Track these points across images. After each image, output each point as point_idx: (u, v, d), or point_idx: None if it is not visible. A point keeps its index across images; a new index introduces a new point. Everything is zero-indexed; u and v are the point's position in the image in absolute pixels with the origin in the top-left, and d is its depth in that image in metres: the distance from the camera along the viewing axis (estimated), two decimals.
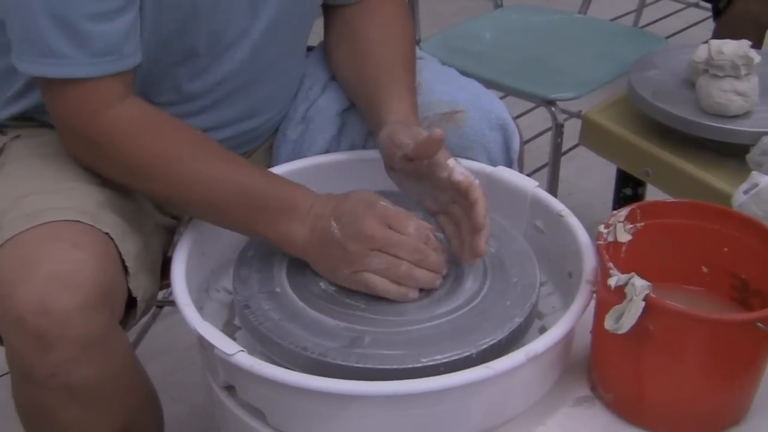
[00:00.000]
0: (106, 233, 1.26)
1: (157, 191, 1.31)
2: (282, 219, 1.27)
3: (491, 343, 1.20)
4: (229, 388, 1.25)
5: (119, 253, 1.27)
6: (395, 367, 1.17)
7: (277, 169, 1.48)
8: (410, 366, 1.17)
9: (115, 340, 1.25)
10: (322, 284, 1.29)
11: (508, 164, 1.51)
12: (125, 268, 1.28)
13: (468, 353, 1.19)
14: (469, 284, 1.30)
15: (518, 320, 1.24)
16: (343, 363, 1.17)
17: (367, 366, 1.17)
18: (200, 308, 1.32)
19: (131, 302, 1.31)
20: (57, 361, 1.18)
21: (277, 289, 1.29)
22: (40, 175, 1.32)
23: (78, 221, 1.24)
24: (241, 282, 1.29)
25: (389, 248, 1.24)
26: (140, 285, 1.30)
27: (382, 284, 1.25)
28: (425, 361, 1.17)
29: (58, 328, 1.16)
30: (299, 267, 1.31)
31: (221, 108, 1.45)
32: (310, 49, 1.62)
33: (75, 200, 1.27)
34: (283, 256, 1.33)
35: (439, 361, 1.17)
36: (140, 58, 1.29)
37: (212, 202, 1.30)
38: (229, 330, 1.35)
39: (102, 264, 1.21)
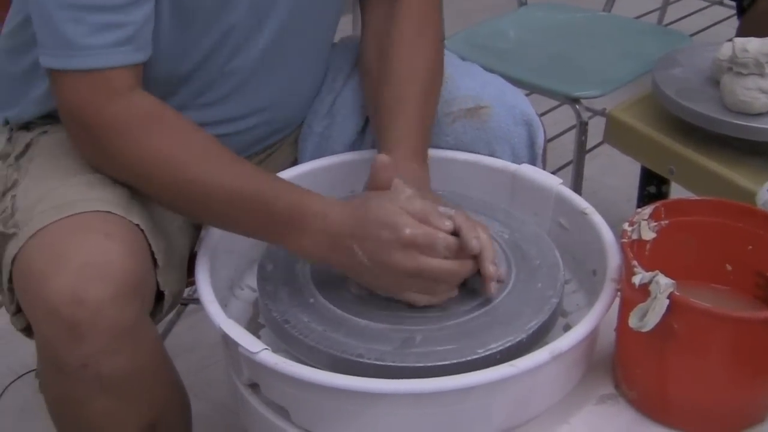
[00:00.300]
0: (137, 225, 1.26)
1: (161, 195, 1.29)
2: (292, 233, 1.24)
3: (537, 326, 1.22)
4: (254, 386, 1.25)
5: (149, 246, 1.27)
6: (455, 361, 1.17)
7: (302, 167, 1.48)
8: (468, 359, 1.17)
9: (145, 331, 1.25)
10: (353, 289, 1.29)
11: (532, 159, 1.51)
12: (154, 262, 1.28)
13: (519, 338, 1.20)
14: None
15: (554, 300, 1.26)
16: (402, 364, 1.17)
17: (427, 364, 1.17)
18: (224, 306, 1.32)
19: (158, 296, 1.31)
20: (89, 351, 1.18)
21: (311, 300, 1.28)
22: (69, 168, 1.33)
23: (109, 212, 1.24)
24: (270, 296, 1.29)
25: (425, 277, 1.22)
26: (168, 279, 1.31)
27: (424, 300, 1.24)
28: (481, 352, 1.18)
29: (90, 318, 1.16)
30: (325, 274, 1.32)
31: (248, 93, 1.44)
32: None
33: (105, 192, 1.28)
34: (304, 264, 1.33)
35: (495, 350, 1.18)
36: (150, 52, 1.29)
37: (218, 212, 1.28)
38: (254, 328, 1.35)
39: (133, 255, 1.22)
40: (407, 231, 1.19)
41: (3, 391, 2.03)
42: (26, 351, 2.10)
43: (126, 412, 1.26)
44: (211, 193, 1.25)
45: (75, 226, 1.22)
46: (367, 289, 1.27)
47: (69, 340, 1.17)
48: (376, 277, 1.23)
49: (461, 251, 1.22)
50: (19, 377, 2.06)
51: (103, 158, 1.29)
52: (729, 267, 1.28)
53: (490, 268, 1.23)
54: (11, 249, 1.24)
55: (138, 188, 1.30)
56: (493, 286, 1.24)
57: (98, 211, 1.24)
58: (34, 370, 2.05)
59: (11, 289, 1.27)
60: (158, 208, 1.35)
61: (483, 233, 1.24)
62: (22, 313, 1.28)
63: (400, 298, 1.24)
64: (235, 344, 1.18)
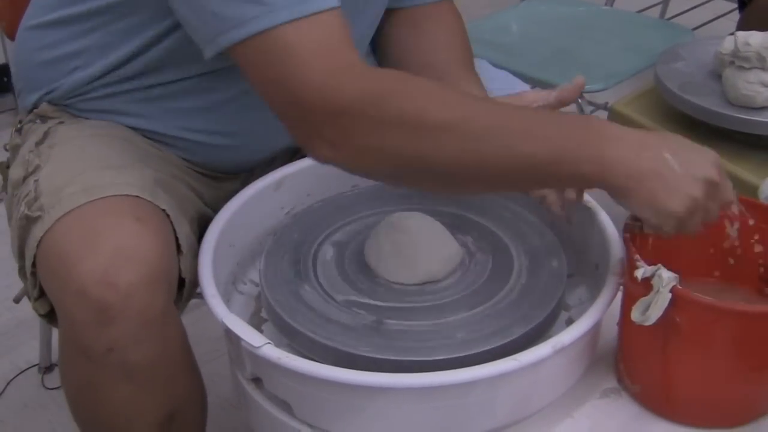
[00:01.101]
0: (163, 210, 1.27)
1: (453, 153, 1.10)
2: (610, 144, 1.10)
3: (539, 320, 1.23)
4: (256, 381, 1.25)
5: (174, 232, 1.27)
6: (457, 355, 1.17)
7: (306, 161, 1.48)
8: (471, 352, 1.18)
9: (171, 320, 1.25)
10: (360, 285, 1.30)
11: None
12: (178, 248, 1.28)
13: (522, 332, 1.21)
14: (496, 275, 1.31)
15: (557, 294, 1.27)
16: (405, 358, 1.18)
17: (430, 358, 1.17)
18: (227, 300, 1.32)
19: (179, 285, 1.31)
20: (116, 335, 1.17)
21: (314, 294, 1.29)
22: (94, 154, 1.33)
23: (138, 197, 1.25)
24: (272, 291, 1.29)
25: (721, 196, 1.14)
26: (189, 267, 1.31)
27: (695, 228, 1.14)
28: (484, 346, 1.18)
29: (120, 302, 1.16)
30: (329, 268, 1.32)
31: None
32: None
33: (132, 177, 1.28)
34: (307, 257, 1.33)
35: (497, 344, 1.19)
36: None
37: (522, 146, 1.11)
38: (256, 322, 1.35)
39: (163, 240, 1.22)
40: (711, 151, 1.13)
41: (6, 387, 2.03)
42: (29, 346, 2.10)
43: (147, 400, 1.26)
44: (515, 130, 1.11)
45: (106, 208, 1.22)
46: (383, 290, 1.29)
47: (97, 324, 1.17)
48: (676, 191, 1.09)
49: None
50: (21, 372, 2.06)
51: (372, 139, 1.10)
52: (732, 260, 1.28)
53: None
54: (37, 231, 1.24)
55: (420, 152, 1.10)
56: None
57: (128, 195, 1.24)
58: (36, 365, 2.06)
59: (34, 273, 1.26)
60: (181, 196, 1.35)
61: None
62: (44, 298, 1.28)
63: (682, 224, 1.12)
64: (238, 339, 1.18)
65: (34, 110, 1.45)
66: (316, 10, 1.10)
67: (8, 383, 2.04)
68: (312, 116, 1.10)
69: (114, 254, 1.17)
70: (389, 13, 1.53)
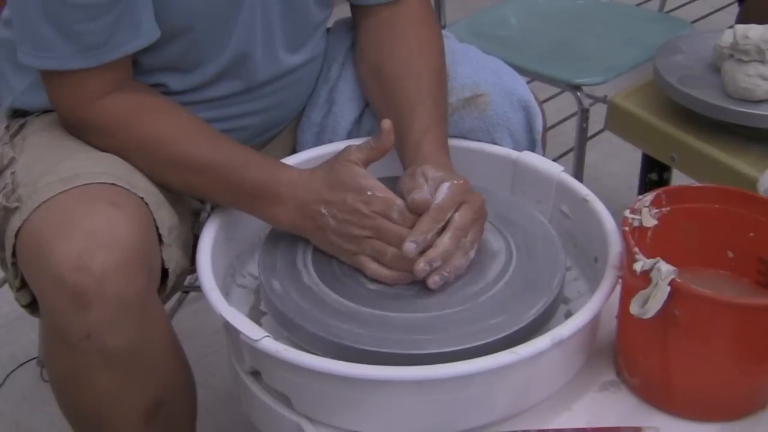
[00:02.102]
0: (141, 198, 1.27)
1: (154, 169, 1.33)
2: (264, 201, 1.31)
3: (538, 313, 1.23)
4: (255, 374, 1.25)
5: (154, 221, 1.27)
6: (456, 348, 1.17)
7: (300, 155, 1.48)
8: (469, 345, 1.17)
9: (152, 307, 1.25)
10: (368, 284, 1.29)
11: (532, 145, 1.51)
12: (159, 238, 1.28)
13: (520, 325, 1.21)
14: (494, 268, 1.30)
15: (556, 287, 1.26)
16: (403, 351, 1.17)
17: (428, 351, 1.17)
18: (226, 294, 1.32)
19: (163, 276, 1.31)
20: (93, 320, 1.17)
21: (312, 287, 1.28)
22: (71, 145, 1.34)
23: (114, 184, 1.25)
24: (271, 284, 1.28)
25: (381, 236, 1.25)
26: (173, 257, 1.31)
27: (375, 269, 1.27)
28: (483, 339, 1.18)
29: (95, 285, 1.16)
30: (326, 262, 1.32)
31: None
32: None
33: (109, 167, 1.29)
34: (306, 251, 1.33)
35: (496, 337, 1.19)
36: (144, 39, 1.30)
37: (197, 183, 1.34)
38: (255, 315, 1.35)
39: (139, 226, 1.22)
40: (368, 193, 1.25)
41: (5, 379, 2.03)
42: (28, 339, 2.10)
43: (129, 389, 1.26)
44: (190, 164, 1.32)
45: (81, 196, 1.22)
46: (382, 283, 1.28)
47: (73, 309, 1.17)
48: (340, 237, 1.27)
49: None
50: (20, 365, 2.06)
51: (102, 144, 1.33)
52: (730, 254, 1.28)
53: (407, 245, 1.22)
54: (15, 222, 1.24)
55: (134, 165, 1.33)
56: (419, 268, 1.23)
57: (104, 183, 1.25)
58: (36, 358, 2.06)
59: (15, 264, 1.27)
60: (161, 189, 1.35)
61: (456, 212, 1.24)
62: (26, 289, 1.29)
63: (357, 262, 1.28)
64: (237, 332, 1.18)
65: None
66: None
67: (7, 376, 2.04)
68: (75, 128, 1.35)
69: (87, 238, 1.17)
70: (357, 10, 1.55)
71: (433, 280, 1.24)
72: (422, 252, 1.23)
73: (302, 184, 1.29)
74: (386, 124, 1.28)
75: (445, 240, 1.23)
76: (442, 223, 1.24)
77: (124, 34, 1.28)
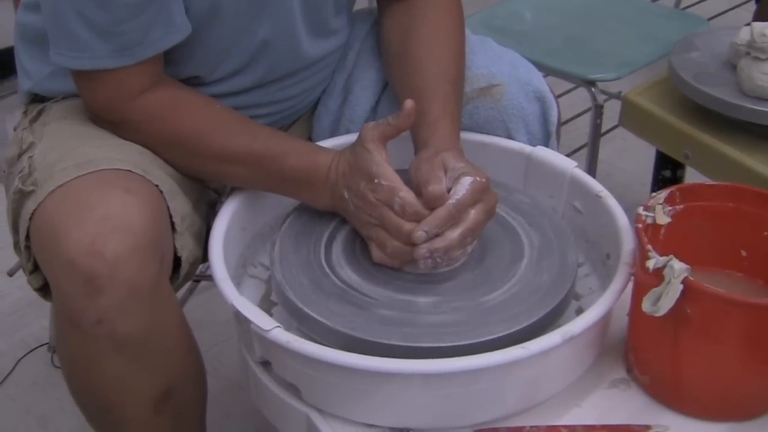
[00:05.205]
0: (156, 186, 1.27)
1: (193, 162, 1.36)
2: (302, 189, 1.34)
3: (549, 308, 1.22)
4: (265, 364, 1.25)
5: (168, 209, 1.28)
6: (467, 342, 1.17)
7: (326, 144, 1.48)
8: (480, 340, 1.17)
9: (164, 294, 1.25)
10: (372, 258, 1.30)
11: (546, 137, 1.51)
12: (172, 226, 1.29)
13: (531, 320, 1.20)
14: (506, 263, 1.30)
15: (567, 283, 1.26)
16: (413, 344, 1.17)
17: (439, 345, 1.17)
18: (237, 283, 1.32)
19: (176, 264, 1.31)
20: (105, 305, 1.17)
21: (324, 278, 1.28)
22: (89, 132, 1.35)
23: (129, 171, 1.26)
24: (282, 274, 1.28)
25: (384, 225, 1.27)
26: (186, 246, 1.32)
27: (377, 254, 1.29)
28: (493, 333, 1.18)
29: (108, 270, 1.16)
30: (338, 253, 1.32)
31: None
32: None
33: (126, 154, 1.29)
34: (318, 241, 1.34)
35: (507, 332, 1.18)
36: (179, 35, 1.31)
37: (236, 173, 1.36)
38: (266, 305, 1.35)
39: (152, 212, 1.23)
40: (375, 181, 1.26)
41: (16, 364, 2.04)
42: (39, 325, 2.11)
43: (138, 375, 1.26)
44: (230, 156, 1.34)
45: (96, 181, 1.23)
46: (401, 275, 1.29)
47: (85, 294, 1.17)
48: (358, 222, 1.31)
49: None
50: (31, 351, 2.06)
51: (137, 139, 1.35)
52: (744, 253, 1.28)
53: (418, 233, 1.23)
54: (30, 205, 1.25)
55: (169, 159, 1.36)
56: (419, 253, 1.23)
57: (119, 169, 1.25)
58: (46, 343, 2.06)
59: (28, 247, 1.28)
60: (177, 178, 1.36)
61: (469, 210, 1.24)
62: (39, 272, 1.29)
63: (370, 244, 1.30)
64: (247, 321, 1.18)
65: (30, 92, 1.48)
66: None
67: (18, 361, 2.04)
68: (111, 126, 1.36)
69: (101, 223, 1.17)
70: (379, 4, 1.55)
71: (425, 262, 1.24)
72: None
73: (333, 167, 1.32)
74: (409, 104, 1.28)
75: (455, 235, 1.24)
76: (457, 221, 1.24)
77: (158, 32, 1.28)
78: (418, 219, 1.24)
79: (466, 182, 1.24)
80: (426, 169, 1.27)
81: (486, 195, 1.26)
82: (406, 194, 1.25)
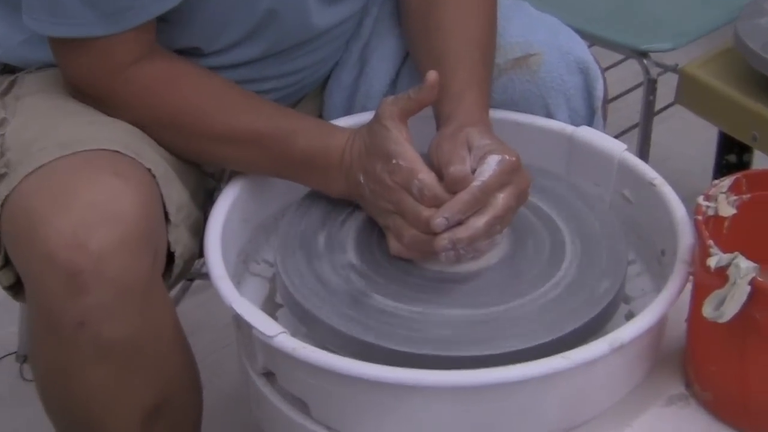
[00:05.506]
0: (149, 170, 1.27)
1: (190, 143, 1.36)
2: (314, 173, 1.35)
3: (595, 313, 1.22)
4: (269, 375, 1.25)
5: (161, 197, 1.28)
6: (499, 351, 1.17)
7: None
8: (515, 348, 1.17)
9: (156, 294, 1.25)
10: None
11: (591, 114, 1.51)
12: (166, 216, 1.29)
13: (574, 326, 1.20)
14: (545, 261, 1.30)
15: (616, 284, 1.26)
16: (440, 353, 1.17)
17: (468, 354, 1.17)
18: (237, 282, 1.33)
19: (168, 261, 1.31)
20: (89, 305, 1.17)
21: (337, 277, 1.28)
22: (70, 107, 1.35)
23: (118, 152, 1.26)
24: (290, 272, 1.29)
25: (401, 212, 1.27)
26: (181, 239, 1.32)
27: (392, 246, 1.29)
28: (530, 341, 1.18)
29: (93, 265, 1.16)
30: (355, 246, 1.33)
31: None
32: None
33: (114, 133, 1.29)
34: (330, 234, 1.34)
35: (546, 339, 1.19)
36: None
37: (238, 159, 1.37)
38: (270, 308, 1.36)
39: (145, 200, 1.22)
40: (393, 161, 1.26)
41: None
42: (6, 331, 2.11)
43: (127, 387, 1.26)
44: (232, 136, 1.35)
45: (80, 163, 1.23)
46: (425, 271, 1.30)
47: (66, 292, 1.16)
48: (374, 210, 1.31)
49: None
50: None
51: (128, 118, 1.34)
52: None
53: (438, 221, 1.22)
54: (2, 190, 1.25)
55: (163, 140, 1.36)
56: (440, 244, 1.23)
57: (107, 150, 1.25)
58: (14, 352, 2.06)
59: None
60: (177, 161, 1.36)
61: (493, 194, 1.23)
62: (10, 267, 1.29)
63: (388, 235, 1.30)
64: (249, 326, 1.18)
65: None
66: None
67: None
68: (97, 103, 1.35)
69: (86, 211, 1.17)
70: None
71: (447, 254, 1.24)
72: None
73: (348, 148, 1.32)
74: (432, 76, 1.27)
75: (480, 224, 1.23)
76: (483, 206, 1.24)
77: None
78: (438, 204, 1.24)
79: (492, 161, 1.23)
80: (448, 148, 1.27)
81: (516, 176, 1.25)
82: (426, 176, 1.25)
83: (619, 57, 2.70)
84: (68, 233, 1.16)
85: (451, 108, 1.34)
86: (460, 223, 1.23)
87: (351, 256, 1.31)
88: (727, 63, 1.99)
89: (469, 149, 1.26)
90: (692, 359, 1.24)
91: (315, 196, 1.39)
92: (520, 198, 1.27)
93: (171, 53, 1.37)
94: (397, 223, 1.27)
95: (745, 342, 1.13)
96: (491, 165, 1.23)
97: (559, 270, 1.29)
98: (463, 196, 1.22)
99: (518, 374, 1.12)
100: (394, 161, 1.26)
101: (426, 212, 1.24)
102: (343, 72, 1.57)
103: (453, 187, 1.24)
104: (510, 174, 1.24)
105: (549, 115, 1.48)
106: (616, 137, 1.47)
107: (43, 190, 1.20)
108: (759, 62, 1.85)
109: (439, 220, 1.22)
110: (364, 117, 1.45)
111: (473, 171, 1.24)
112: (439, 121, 1.36)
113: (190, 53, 1.40)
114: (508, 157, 1.24)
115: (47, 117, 1.33)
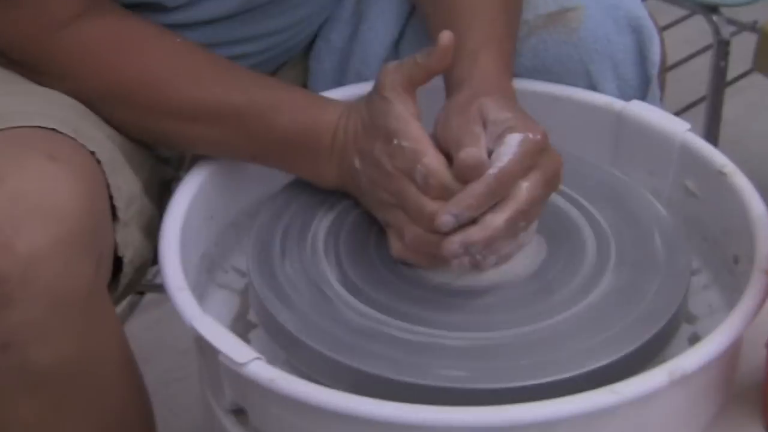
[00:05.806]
0: (92, 153, 1.27)
1: (145, 120, 1.37)
2: (301, 157, 1.37)
3: (650, 335, 1.22)
4: (238, 413, 1.26)
5: (108, 187, 1.28)
6: (531, 383, 1.17)
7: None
8: (550, 379, 1.18)
9: (99, 310, 1.25)
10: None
11: (645, 85, 1.52)
12: (113, 212, 1.29)
13: (624, 352, 1.20)
14: (585, 270, 1.31)
15: (676, 299, 1.26)
16: (453, 385, 1.17)
17: (489, 386, 1.17)
18: (200, 296, 1.33)
19: (115, 268, 1.32)
20: (15, 323, 1.16)
21: (326, 289, 1.29)
22: (4, 75, 1.35)
23: (55, 130, 1.26)
24: (266, 283, 1.30)
25: (403, 205, 1.27)
26: (131, 241, 1.32)
27: (393, 247, 1.30)
28: (569, 370, 1.18)
29: (20, 272, 1.15)
30: (346, 251, 1.34)
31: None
32: None
33: (49, 107, 1.30)
34: (316, 236, 1.35)
35: (588, 368, 1.19)
36: None
37: (206, 140, 1.37)
38: (241, 327, 1.37)
39: (87, 189, 1.22)
40: (394, 141, 1.27)
41: None
42: None
43: (62, 425, 1.26)
44: (198, 112, 1.36)
45: (7, 142, 1.23)
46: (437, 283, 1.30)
47: None
48: (374, 202, 1.32)
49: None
50: None
51: (66, 88, 1.35)
52: None
53: (444, 218, 1.21)
54: None
55: (110, 117, 1.37)
56: (449, 248, 1.22)
57: (41, 127, 1.25)
58: None
59: None
60: (128, 145, 1.37)
61: (512, 178, 1.22)
62: None
63: (389, 234, 1.31)
64: (214, 351, 1.18)
65: None
66: None
67: None
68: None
69: (12, 203, 1.16)
70: None
71: (460, 261, 1.23)
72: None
73: (342, 125, 1.33)
74: (445, 37, 1.26)
75: (499, 221, 1.22)
76: (502, 199, 1.23)
77: None
78: (446, 196, 1.23)
79: (513, 141, 1.22)
80: (458, 123, 1.26)
81: (543, 158, 1.24)
82: (431, 160, 1.24)
83: (682, 12, 2.72)
84: None
85: (462, 71, 1.33)
86: (474, 221, 1.22)
87: (344, 263, 1.32)
88: None
89: (484, 125, 1.25)
90: None
91: (299, 187, 1.40)
92: (550, 185, 1.25)
93: (120, 8, 1.37)
94: (399, 219, 1.27)
95: None
96: (511, 146, 1.22)
97: (600, 282, 1.30)
98: (477, 187, 1.21)
99: (555, 412, 1.12)
100: (395, 141, 1.26)
101: (431, 206, 1.23)
102: (334, 31, 1.57)
103: (465, 174, 1.22)
104: (535, 156, 1.23)
105: (592, 86, 1.49)
106: (676, 114, 1.47)
107: None
108: None
109: (445, 217, 1.21)
110: (359, 88, 1.47)
111: (489, 153, 1.23)
112: (449, 89, 1.35)
113: (146, 10, 1.41)
114: (532, 136, 1.23)
115: None
